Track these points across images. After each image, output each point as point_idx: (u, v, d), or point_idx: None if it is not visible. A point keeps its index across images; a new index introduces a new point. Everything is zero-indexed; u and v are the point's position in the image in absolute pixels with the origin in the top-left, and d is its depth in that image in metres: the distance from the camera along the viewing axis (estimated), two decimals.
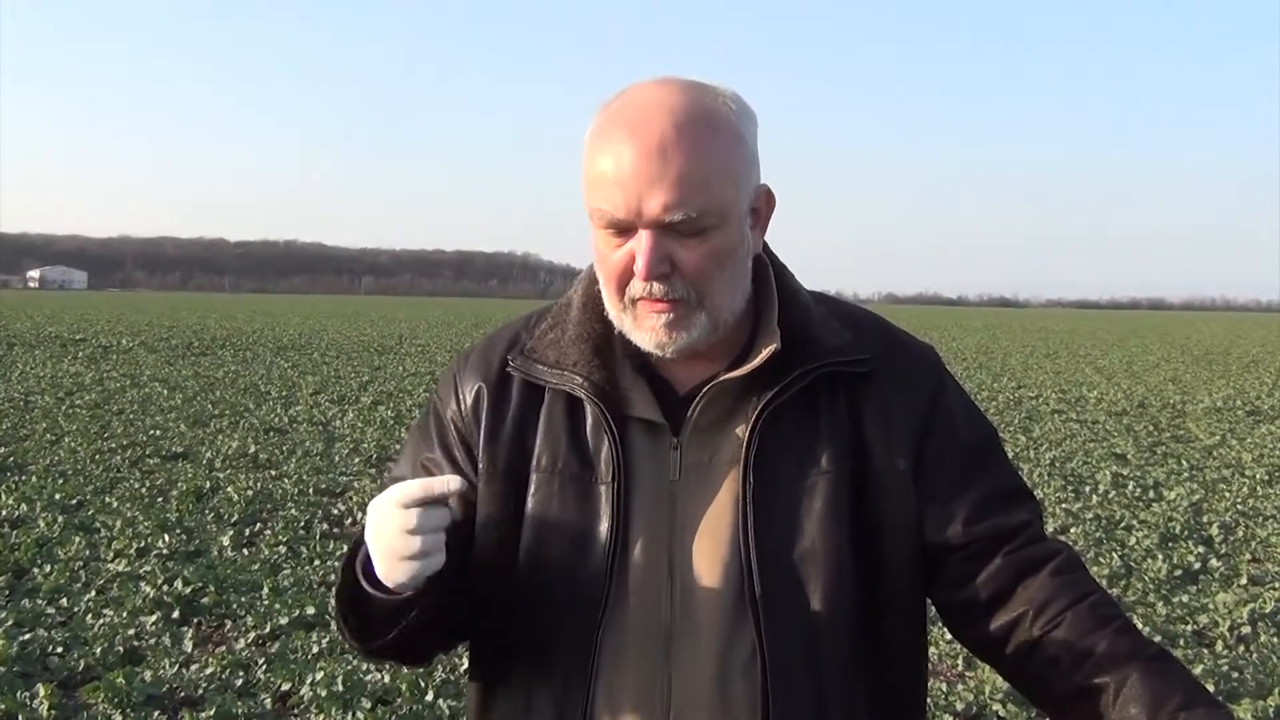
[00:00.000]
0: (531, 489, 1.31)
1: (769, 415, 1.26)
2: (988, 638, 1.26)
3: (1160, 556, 7.14)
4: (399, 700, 4.55)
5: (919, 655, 1.36)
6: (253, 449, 10.78)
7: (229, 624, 5.58)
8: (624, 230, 1.21)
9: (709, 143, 1.19)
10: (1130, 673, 1.13)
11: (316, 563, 6.67)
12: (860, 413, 1.30)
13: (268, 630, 5.41)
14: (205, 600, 5.85)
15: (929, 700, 4.58)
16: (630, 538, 1.27)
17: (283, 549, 6.98)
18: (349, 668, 4.78)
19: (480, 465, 1.34)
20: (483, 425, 1.35)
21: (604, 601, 1.26)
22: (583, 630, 1.26)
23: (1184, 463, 11.19)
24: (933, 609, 1.35)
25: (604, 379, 1.29)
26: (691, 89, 1.23)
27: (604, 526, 1.27)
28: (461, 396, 1.38)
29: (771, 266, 1.35)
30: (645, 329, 1.24)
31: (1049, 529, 7.85)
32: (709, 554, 1.26)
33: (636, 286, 1.22)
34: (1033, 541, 1.27)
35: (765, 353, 1.27)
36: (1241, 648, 5.54)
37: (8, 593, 5.96)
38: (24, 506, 7.91)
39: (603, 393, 1.28)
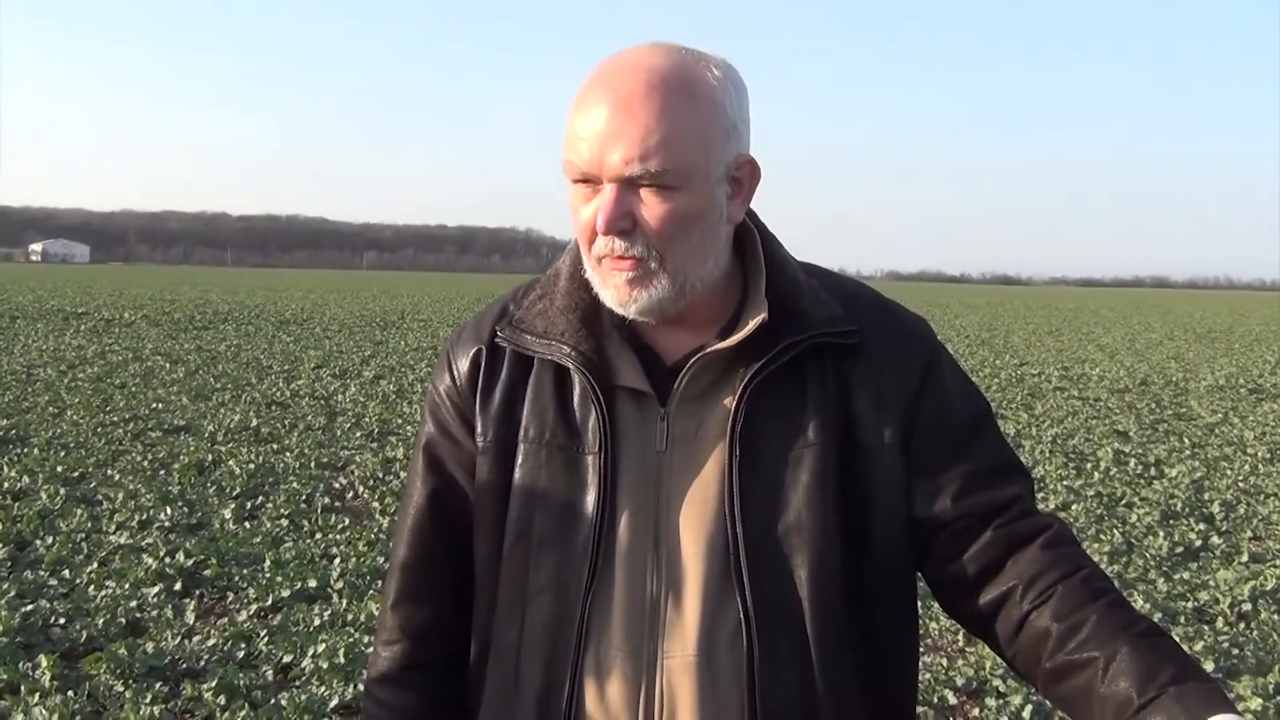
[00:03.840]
0: (519, 459, 1.31)
1: (756, 387, 1.25)
2: (978, 613, 1.25)
3: (1161, 534, 7.14)
4: None
5: (909, 631, 1.35)
6: (255, 423, 10.80)
7: (231, 596, 5.61)
8: (593, 185, 1.22)
9: (679, 103, 1.19)
10: (1121, 646, 1.11)
11: (318, 536, 6.70)
12: (849, 385, 1.28)
13: (269, 603, 5.44)
14: (207, 573, 5.87)
15: (928, 676, 4.62)
16: (617, 508, 1.27)
17: (284, 522, 7.01)
18: (350, 640, 4.80)
19: (476, 436, 1.34)
20: (477, 397, 1.35)
21: (591, 572, 1.25)
22: (570, 601, 1.26)
23: (1186, 440, 11.18)
24: (925, 584, 1.35)
25: (591, 348, 1.29)
26: (675, 52, 1.23)
27: (590, 497, 1.26)
28: (455, 371, 1.38)
29: (761, 237, 1.33)
30: (610, 286, 1.25)
31: (1050, 506, 7.88)
32: (695, 525, 1.25)
33: (600, 243, 1.23)
34: (1023, 516, 1.25)
35: (752, 324, 1.26)
36: (1242, 625, 5.55)
37: (10, 564, 5.98)
38: (26, 479, 7.94)
39: (590, 362, 1.28)
